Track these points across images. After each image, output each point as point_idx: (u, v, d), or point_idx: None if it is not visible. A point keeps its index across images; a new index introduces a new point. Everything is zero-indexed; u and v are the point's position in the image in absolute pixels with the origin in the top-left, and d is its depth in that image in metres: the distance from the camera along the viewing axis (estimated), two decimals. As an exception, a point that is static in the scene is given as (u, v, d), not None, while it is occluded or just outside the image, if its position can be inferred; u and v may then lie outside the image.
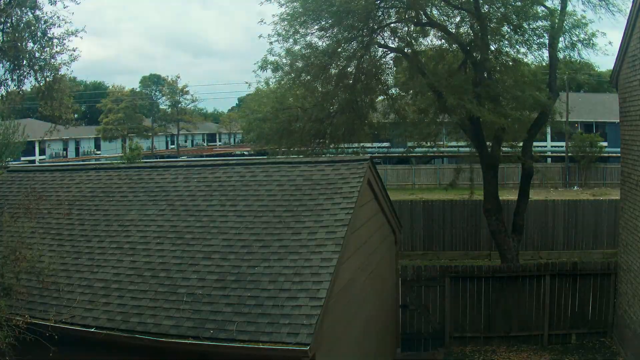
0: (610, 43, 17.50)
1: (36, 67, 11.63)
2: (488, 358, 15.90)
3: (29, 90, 13.32)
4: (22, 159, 50.50)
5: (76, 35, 11.79)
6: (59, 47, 11.69)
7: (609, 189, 44.83)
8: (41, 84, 11.96)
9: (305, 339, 7.82)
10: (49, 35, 11.60)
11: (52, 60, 11.75)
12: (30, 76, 11.80)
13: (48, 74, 11.77)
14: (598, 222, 25.42)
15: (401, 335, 16.04)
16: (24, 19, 11.45)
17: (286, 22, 18.70)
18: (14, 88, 11.96)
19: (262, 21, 21.35)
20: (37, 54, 11.60)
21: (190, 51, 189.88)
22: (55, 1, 11.26)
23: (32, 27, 11.40)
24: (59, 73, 12.06)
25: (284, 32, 18.90)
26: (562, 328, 16.61)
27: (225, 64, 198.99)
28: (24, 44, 11.43)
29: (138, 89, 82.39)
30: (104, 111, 74.22)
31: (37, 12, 11.48)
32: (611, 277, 16.55)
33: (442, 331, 16.59)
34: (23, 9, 11.35)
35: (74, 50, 11.90)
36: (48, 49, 11.59)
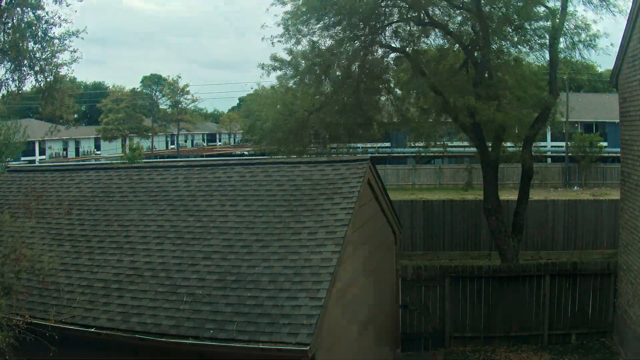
0: (611, 45, 17.55)
1: (37, 68, 11.62)
2: (488, 358, 15.89)
3: (29, 90, 13.30)
4: (22, 159, 50.51)
5: (77, 36, 11.79)
6: (60, 47, 11.69)
7: (609, 189, 44.80)
8: (42, 84, 11.95)
9: (305, 339, 7.82)
10: (49, 35, 11.60)
11: (54, 60, 11.74)
12: (30, 76, 11.80)
13: (49, 74, 11.76)
14: (598, 222, 25.41)
15: (401, 335, 16.05)
16: (25, 19, 11.44)
17: (289, 22, 18.73)
18: (15, 89, 11.94)
19: (265, 25, 21.49)
20: (38, 54, 11.59)
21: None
22: (60, 0, 11.26)
23: (33, 27, 11.40)
24: (60, 73, 12.05)
25: (286, 32, 18.94)
26: (562, 328, 16.60)
27: (226, 65, 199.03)
28: (25, 44, 11.42)
29: (138, 89, 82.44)
30: (104, 111, 74.21)
31: (39, 12, 11.48)
32: (611, 277, 16.54)
33: (442, 331, 16.58)
34: (24, 8, 11.35)
35: (75, 51, 11.90)
36: (49, 48, 11.57)
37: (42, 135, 13.06)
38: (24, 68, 11.55)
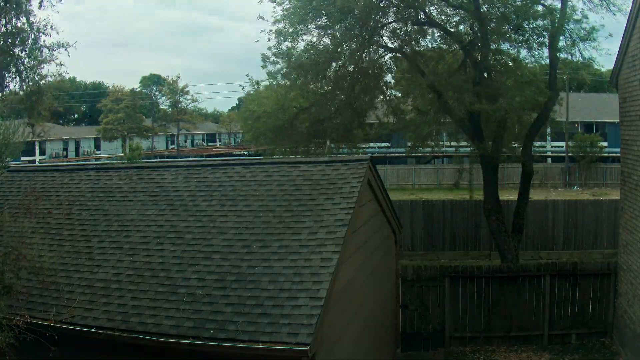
0: (610, 35, 17.50)
1: (23, 76, 11.58)
2: (488, 358, 15.91)
3: (9, 93, 13.26)
4: (22, 159, 50.47)
5: (66, 49, 11.69)
6: (48, 56, 11.63)
7: (609, 189, 44.84)
8: (22, 92, 11.93)
9: (305, 339, 7.81)
10: (40, 43, 11.55)
11: (39, 69, 11.69)
12: (16, 82, 11.77)
13: (32, 83, 11.71)
14: (598, 222, 25.41)
15: (401, 335, 16.04)
16: (18, 24, 11.40)
17: (286, 21, 18.71)
18: None
19: (262, 17, 21.37)
20: (25, 61, 11.53)
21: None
22: (41, 5, 11.20)
23: (24, 34, 11.35)
24: (42, 83, 11.99)
25: (283, 31, 18.92)
26: (562, 328, 16.61)
27: (225, 63, 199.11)
28: (14, 49, 11.37)
29: (138, 89, 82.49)
30: (104, 111, 74.26)
31: (31, 19, 11.44)
32: (611, 277, 16.55)
33: (442, 331, 16.59)
34: (18, 13, 11.31)
35: (61, 65, 11.82)
36: (36, 58, 11.52)
37: (50, 135, 13.06)
38: (10, 73, 11.52)
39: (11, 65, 11.38)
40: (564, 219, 25.58)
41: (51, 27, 11.41)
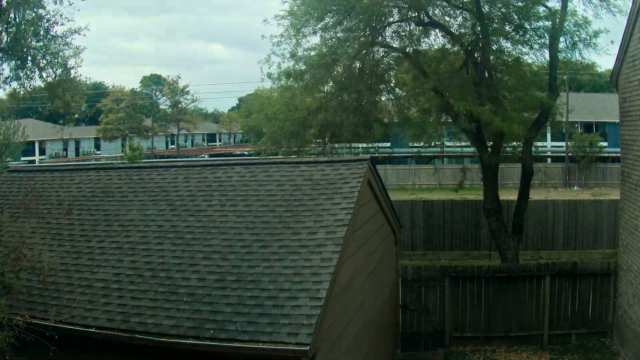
0: (612, 42, 17.50)
1: (42, 65, 11.68)
2: (488, 358, 15.91)
3: (36, 88, 13.37)
4: (22, 159, 50.44)
5: (79, 33, 11.85)
6: (62, 45, 11.76)
7: (609, 189, 44.83)
8: (51, 79, 12.01)
9: (305, 339, 7.82)
10: (52, 33, 11.66)
11: (61, 54, 11.80)
12: (34, 74, 11.85)
13: (59, 70, 11.82)
14: (598, 222, 25.43)
15: (401, 335, 16.05)
16: (28, 17, 11.49)
17: (289, 22, 18.72)
18: (19, 87, 12.01)
19: (266, 21, 21.35)
20: (42, 52, 11.65)
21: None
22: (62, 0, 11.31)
23: (35, 26, 11.45)
24: (68, 67, 12.11)
25: (287, 33, 18.93)
26: (562, 328, 16.61)
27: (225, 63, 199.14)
28: (28, 41, 11.46)
29: (138, 89, 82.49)
30: (104, 111, 74.21)
31: (40, 11, 11.53)
32: (611, 277, 16.55)
33: (442, 331, 16.59)
34: (26, 7, 11.39)
35: (77, 48, 11.96)
36: (53, 46, 11.64)
37: (50, 135, 13.15)
38: (29, 65, 11.61)
39: (28, 58, 11.46)
40: (564, 219, 25.59)
41: (61, 15, 11.51)
